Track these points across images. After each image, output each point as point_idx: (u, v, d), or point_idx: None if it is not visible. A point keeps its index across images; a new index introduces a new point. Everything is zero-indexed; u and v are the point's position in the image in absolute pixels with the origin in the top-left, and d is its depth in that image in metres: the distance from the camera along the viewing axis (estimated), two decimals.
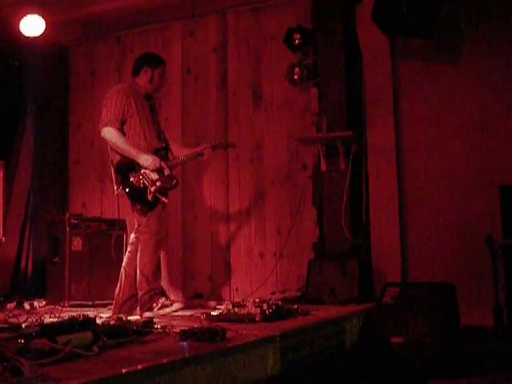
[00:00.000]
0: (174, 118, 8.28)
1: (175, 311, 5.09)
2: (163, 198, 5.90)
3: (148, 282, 5.93)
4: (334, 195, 7.08)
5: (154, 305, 5.87)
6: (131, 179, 5.86)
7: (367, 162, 7.12)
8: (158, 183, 5.86)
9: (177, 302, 5.94)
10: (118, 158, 5.96)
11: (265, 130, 7.82)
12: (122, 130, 5.95)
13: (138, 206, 5.98)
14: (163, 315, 5.57)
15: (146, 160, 5.86)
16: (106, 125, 5.91)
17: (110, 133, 5.89)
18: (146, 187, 5.85)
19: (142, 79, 6.21)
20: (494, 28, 6.69)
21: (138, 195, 5.90)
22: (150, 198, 5.85)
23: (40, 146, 8.68)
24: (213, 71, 8.19)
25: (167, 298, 6.02)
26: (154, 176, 5.87)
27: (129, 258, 6.11)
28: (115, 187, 5.98)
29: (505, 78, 6.63)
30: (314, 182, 7.41)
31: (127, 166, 5.89)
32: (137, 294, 5.98)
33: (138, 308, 5.94)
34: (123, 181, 5.88)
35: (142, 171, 5.86)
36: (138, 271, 5.97)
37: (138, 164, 5.87)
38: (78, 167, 8.97)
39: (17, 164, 8.46)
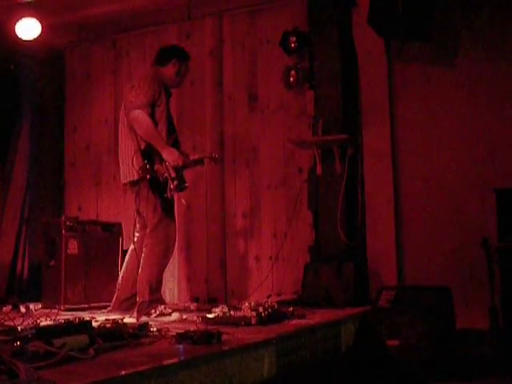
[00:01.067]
0: None
1: (144, 323, 4.87)
2: (183, 200, 5.77)
3: (151, 292, 5.80)
4: (329, 198, 7.08)
5: (153, 311, 5.72)
6: (156, 169, 5.64)
7: (363, 166, 7.12)
8: (175, 182, 5.65)
9: (176, 311, 5.77)
10: (143, 144, 5.72)
11: (260, 133, 7.83)
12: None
13: (153, 202, 5.75)
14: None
15: (172, 154, 5.67)
16: (138, 107, 5.68)
17: (140, 116, 5.65)
18: (166, 182, 5.66)
19: (170, 70, 6.08)
20: (491, 31, 6.70)
21: (158, 188, 5.69)
22: (169, 194, 5.67)
23: (36, 149, 8.66)
24: (208, 74, 8.18)
25: (166, 307, 5.86)
26: (173, 173, 5.65)
27: (131, 257, 6.05)
28: (128, 175, 5.80)
29: (501, 81, 6.64)
30: (309, 186, 7.40)
31: (150, 156, 5.67)
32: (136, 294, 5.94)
33: (135, 312, 5.80)
34: (149, 168, 5.64)
35: (165, 165, 5.64)
36: (140, 277, 5.84)
37: (159, 157, 5.66)
38: (73, 170, 8.97)
39: (12, 167, 8.44)
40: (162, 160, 5.67)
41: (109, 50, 8.86)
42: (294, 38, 7.34)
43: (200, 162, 6.37)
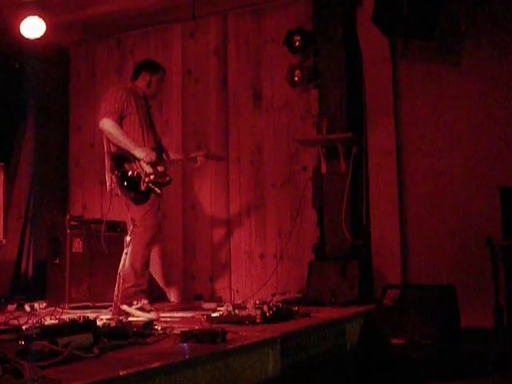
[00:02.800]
0: (174, 119, 8.29)
1: (147, 321, 4.86)
2: (156, 189, 5.92)
3: (136, 276, 5.93)
4: (334, 197, 7.08)
5: (135, 302, 5.86)
6: (126, 168, 5.90)
7: (368, 164, 7.12)
8: (151, 176, 5.89)
9: (155, 312, 5.83)
10: (115, 149, 6.01)
11: (265, 132, 7.83)
12: (120, 124, 6.01)
13: (131, 195, 5.97)
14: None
15: (142, 152, 5.92)
16: (104, 116, 5.99)
17: (108, 124, 5.95)
18: (139, 177, 5.89)
19: (141, 83, 6.34)
20: (495, 29, 6.68)
21: (130, 184, 5.91)
22: (143, 187, 5.87)
23: (40, 148, 8.68)
24: (213, 73, 8.19)
25: (148, 303, 5.94)
26: (149, 169, 5.91)
27: (125, 260, 6.11)
28: (107, 177, 6.03)
29: (506, 80, 6.63)
30: (314, 184, 7.40)
31: (123, 157, 5.94)
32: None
33: (119, 297, 5.93)
34: (117, 168, 5.93)
35: (137, 163, 5.92)
36: (126, 264, 5.97)
37: (134, 157, 5.92)
38: (78, 169, 8.98)
39: (17, 166, 8.45)
40: (136, 160, 5.94)
41: (113, 49, 8.87)
42: (299, 37, 7.35)
43: (192, 160, 6.57)
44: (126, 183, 5.91)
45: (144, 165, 5.91)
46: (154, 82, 6.36)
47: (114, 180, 5.95)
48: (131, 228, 6.10)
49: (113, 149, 6.02)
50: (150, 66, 6.43)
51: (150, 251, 6.12)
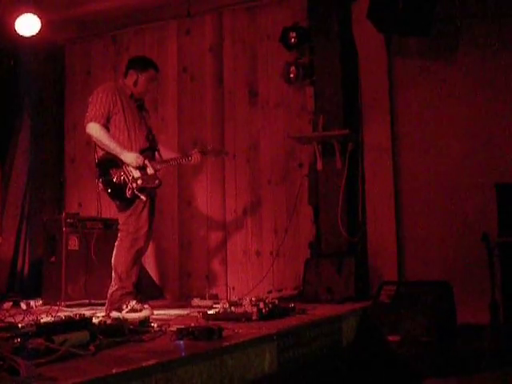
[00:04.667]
0: (170, 116, 8.28)
1: (143, 318, 4.84)
2: (142, 196, 5.88)
3: (120, 280, 5.88)
4: (330, 194, 7.08)
5: (124, 306, 5.76)
6: (111, 174, 5.85)
7: (363, 161, 7.12)
8: (139, 181, 5.84)
9: (147, 308, 5.79)
10: (100, 153, 5.98)
11: (261, 129, 7.82)
12: (106, 127, 5.97)
13: (117, 202, 5.98)
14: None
15: (129, 157, 5.87)
16: (90, 120, 5.94)
17: (94, 128, 5.92)
18: (125, 183, 5.83)
19: (128, 81, 6.25)
20: (491, 26, 6.69)
21: (115, 191, 5.88)
22: (128, 194, 5.82)
23: (36, 146, 8.66)
24: (209, 70, 8.19)
25: (138, 301, 5.85)
26: (136, 174, 5.86)
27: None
28: (96, 182, 6.01)
29: (501, 76, 6.64)
30: (310, 181, 7.40)
31: (110, 162, 5.90)
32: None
33: (106, 304, 5.90)
34: (102, 175, 5.89)
35: (124, 168, 5.87)
36: (113, 267, 5.95)
37: (121, 161, 5.87)
38: (73, 167, 8.97)
39: (12, 163, 8.43)
40: (123, 163, 5.90)
41: (109, 47, 8.86)
42: (294, 34, 7.34)
43: (186, 158, 6.43)
44: (110, 190, 5.89)
45: (132, 169, 5.87)
46: (142, 81, 6.23)
47: (100, 187, 5.94)
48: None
49: (100, 153, 5.98)
50: (139, 64, 6.31)
51: (133, 254, 5.97)
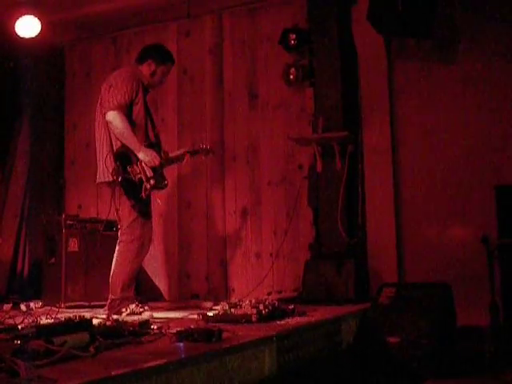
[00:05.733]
0: (169, 118, 8.28)
1: (143, 320, 4.80)
2: (158, 200, 5.76)
3: (122, 289, 5.73)
4: (329, 195, 7.08)
5: (124, 310, 5.70)
6: (129, 170, 5.62)
7: (363, 162, 7.12)
8: (151, 181, 5.64)
9: (147, 310, 5.73)
10: (118, 144, 5.71)
11: (260, 131, 7.82)
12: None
13: (132, 202, 5.69)
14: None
15: (148, 155, 5.65)
16: (114, 108, 5.65)
17: (117, 118, 5.62)
18: (141, 183, 5.64)
19: (145, 70, 6.01)
20: (490, 27, 6.69)
21: (132, 189, 5.65)
22: (144, 194, 5.63)
23: (36, 147, 8.66)
24: (209, 72, 8.19)
25: (137, 304, 5.79)
26: (150, 173, 5.65)
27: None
28: (102, 176, 5.78)
29: (501, 78, 6.64)
30: (309, 183, 7.40)
31: (125, 157, 5.65)
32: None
33: (106, 308, 5.80)
34: (121, 170, 5.60)
35: (139, 165, 5.65)
36: (113, 274, 5.79)
37: (136, 157, 5.65)
38: (73, 168, 8.96)
39: (12, 165, 8.44)
40: (138, 160, 5.67)
41: (109, 48, 8.86)
42: (294, 36, 7.34)
43: (179, 159, 6.24)
44: (128, 190, 5.65)
45: (146, 167, 5.65)
46: (159, 73, 6.03)
47: (117, 184, 5.65)
48: (120, 231, 5.91)
49: (116, 145, 5.71)
50: (159, 55, 6.08)
51: (138, 263, 5.88)
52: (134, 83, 5.79)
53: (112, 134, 5.75)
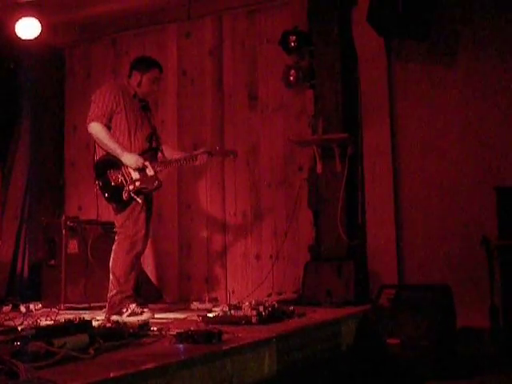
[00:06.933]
0: (169, 119, 8.28)
1: (143, 322, 4.82)
2: (138, 199, 5.86)
3: (119, 284, 5.85)
4: (329, 197, 7.08)
5: (124, 310, 5.76)
6: (109, 176, 5.83)
7: (363, 164, 7.12)
8: (137, 183, 5.83)
9: (147, 311, 5.78)
10: (101, 153, 5.96)
11: (261, 132, 7.82)
12: (108, 127, 5.94)
13: (113, 205, 5.97)
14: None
15: (130, 159, 5.84)
16: (93, 120, 5.91)
17: (96, 128, 5.88)
18: (123, 186, 5.82)
19: (133, 81, 6.20)
20: (490, 29, 6.69)
21: (112, 193, 5.86)
22: (124, 196, 5.81)
23: (36, 149, 8.66)
24: (209, 73, 8.19)
25: (138, 305, 5.85)
26: (135, 175, 5.85)
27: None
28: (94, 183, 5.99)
29: (501, 80, 6.64)
30: (309, 184, 7.40)
31: (109, 163, 5.87)
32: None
33: (106, 308, 5.88)
34: (100, 176, 5.88)
35: (123, 169, 5.85)
36: (110, 272, 5.92)
37: (121, 162, 5.85)
38: (73, 170, 8.96)
39: (12, 166, 8.44)
40: (123, 164, 5.88)
41: (109, 50, 8.86)
42: (294, 37, 7.33)
43: (192, 158, 6.37)
44: (107, 194, 5.88)
45: (131, 171, 5.85)
46: (145, 81, 6.19)
47: (97, 188, 5.92)
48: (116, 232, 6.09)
49: (100, 153, 5.96)
50: (142, 65, 6.26)
51: (132, 258, 5.94)
52: (111, 94, 6.01)
53: (96, 145, 6.01)
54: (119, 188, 5.83)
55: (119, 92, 6.07)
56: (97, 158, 5.99)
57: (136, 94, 6.20)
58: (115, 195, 5.87)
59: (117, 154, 5.85)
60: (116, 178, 5.84)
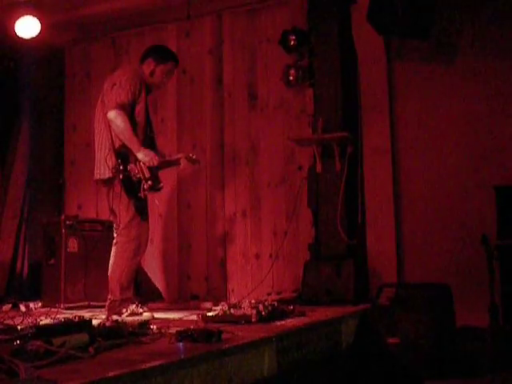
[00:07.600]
0: (169, 119, 8.27)
1: (143, 321, 4.76)
2: (156, 201, 5.74)
3: (122, 291, 5.70)
4: (329, 196, 7.08)
5: (124, 310, 5.67)
6: (129, 169, 5.59)
7: (363, 163, 7.12)
8: (149, 182, 5.60)
9: (147, 312, 5.72)
10: (119, 142, 5.66)
11: (260, 131, 7.82)
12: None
13: (125, 202, 5.65)
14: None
15: (147, 155, 5.60)
16: (116, 107, 5.58)
17: (119, 117, 5.55)
18: (140, 182, 5.61)
19: (145, 69, 5.96)
20: (490, 28, 6.70)
21: (131, 188, 5.62)
22: (142, 194, 5.60)
23: (35, 148, 8.66)
24: (208, 72, 8.19)
25: (137, 305, 5.79)
26: (147, 173, 5.60)
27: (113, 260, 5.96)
28: (102, 173, 5.73)
29: (501, 79, 6.65)
30: (309, 183, 7.40)
31: (125, 155, 5.61)
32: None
33: (106, 311, 5.76)
34: (121, 169, 5.57)
35: (138, 165, 5.60)
36: (110, 275, 5.75)
37: (134, 156, 5.60)
38: (73, 169, 8.95)
39: (12, 165, 8.44)
40: (136, 159, 5.62)
41: (108, 49, 8.85)
42: (294, 37, 7.34)
43: (175, 162, 6.23)
44: (128, 188, 5.62)
45: (144, 167, 5.59)
46: (158, 73, 5.95)
47: (117, 182, 5.63)
48: (116, 232, 5.88)
49: (117, 144, 5.66)
50: (159, 54, 6.02)
51: (136, 263, 5.83)
52: (137, 82, 5.75)
53: (113, 132, 5.70)
54: (136, 184, 5.61)
55: (142, 80, 5.83)
56: (116, 147, 5.67)
57: (149, 83, 5.98)
58: (133, 191, 5.63)
59: (133, 148, 5.60)
60: (135, 173, 5.60)
